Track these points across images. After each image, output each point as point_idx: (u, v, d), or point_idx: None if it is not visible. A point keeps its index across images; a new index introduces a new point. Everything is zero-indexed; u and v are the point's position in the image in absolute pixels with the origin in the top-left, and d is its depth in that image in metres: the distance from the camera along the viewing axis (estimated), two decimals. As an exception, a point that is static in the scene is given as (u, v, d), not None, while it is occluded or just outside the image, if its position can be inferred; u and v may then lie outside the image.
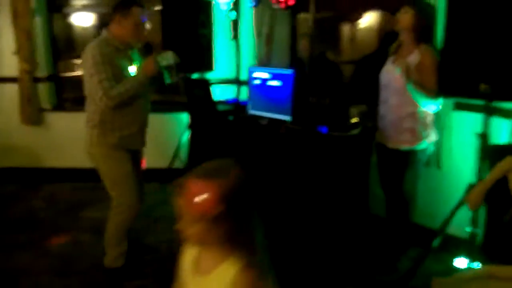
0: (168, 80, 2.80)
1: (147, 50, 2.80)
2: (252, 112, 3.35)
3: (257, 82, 3.28)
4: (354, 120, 3.23)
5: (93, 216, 4.03)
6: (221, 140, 3.53)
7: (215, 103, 3.78)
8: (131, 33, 2.70)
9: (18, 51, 4.57)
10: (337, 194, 2.92)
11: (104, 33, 2.74)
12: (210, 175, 1.16)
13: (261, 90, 3.25)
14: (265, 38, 4.24)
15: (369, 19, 5.16)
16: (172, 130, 4.66)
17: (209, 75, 4.51)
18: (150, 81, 2.74)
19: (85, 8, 7.06)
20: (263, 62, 4.29)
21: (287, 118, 3.04)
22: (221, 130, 3.53)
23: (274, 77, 3.12)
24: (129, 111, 2.73)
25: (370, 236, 3.24)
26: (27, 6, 4.50)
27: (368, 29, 5.20)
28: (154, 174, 4.79)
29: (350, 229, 3.03)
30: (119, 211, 2.88)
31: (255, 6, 4.19)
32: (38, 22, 4.70)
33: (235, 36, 4.63)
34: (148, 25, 2.78)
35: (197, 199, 1.12)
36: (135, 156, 2.95)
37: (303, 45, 4.14)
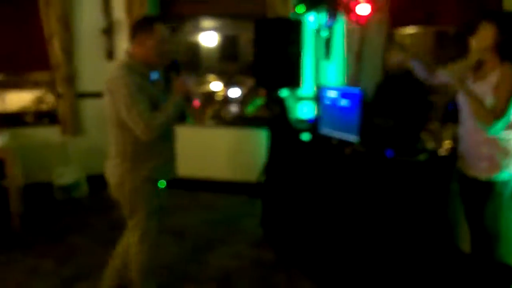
0: (189, 119, 2.68)
1: (175, 68, 2.52)
2: (323, 131, 3.27)
3: (327, 101, 3.21)
4: (447, 144, 2.96)
5: (178, 222, 4.31)
6: (295, 158, 3.51)
7: (290, 120, 3.78)
8: (156, 54, 2.43)
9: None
10: (407, 225, 2.69)
11: (125, 58, 2.47)
12: None
13: (330, 109, 3.16)
14: (355, 56, 4.11)
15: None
16: (263, 145, 4.77)
17: (298, 92, 4.55)
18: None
19: (204, 29, 7.61)
20: (353, 80, 4.16)
21: (354, 138, 2.91)
22: (295, 148, 3.51)
23: (343, 96, 3.01)
24: (159, 139, 2.50)
25: (451, 274, 2.91)
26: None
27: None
28: (243, 187, 4.95)
29: (426, 264, 2.76)
30: (144, 248, 2.66)
31: (331, 26, 4.10)
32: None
33: (327, 54, 4.58)
34: (171, 43, 2.52)
35: None
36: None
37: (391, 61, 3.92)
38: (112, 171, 2.56)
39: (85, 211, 4.63)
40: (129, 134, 2.42)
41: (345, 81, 4.31)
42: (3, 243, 3.86)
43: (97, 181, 5.25)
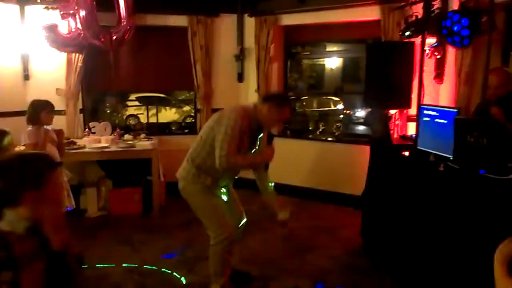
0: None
1: (270, 139, 3.03)
2: (421, 148, 3.23)
3: (426, 119, 3.17)
4: None
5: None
6: (394, 173, 3.50)
7: (390, 136, 3.78)
8: (272, 122, 2.90)
9: (258, 89, 5.57)
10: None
11: (251, 107, 2.90)
12: None
13: (429, 127, 3.12)
14: (464, 78, 3.94)
15: None
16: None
17: (405, 111, 4.50)
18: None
19: (327, 53, 7.81)
20: (461, 101, 3.98)
21: (449, 156, 2.84)
22: (395, 164, 3.51)
23: (441, 115, 2.97)
24: (222, 174, 2.90)
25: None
26: (268, 55, 5.46)
27: None
28: (348, 199, 5.00)
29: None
30: (217, 242, 2.93)
31: (439, 48, 3.97)
32: (275, 67, 5.63)
33: (439, 76, 4.45)
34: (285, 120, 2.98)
35: None
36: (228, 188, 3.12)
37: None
38: (183, 173, 2.99)
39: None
40: (209, 155, 2.82)
41: (454, 101, 4.15)
42: (144, 226, 4.51)
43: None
